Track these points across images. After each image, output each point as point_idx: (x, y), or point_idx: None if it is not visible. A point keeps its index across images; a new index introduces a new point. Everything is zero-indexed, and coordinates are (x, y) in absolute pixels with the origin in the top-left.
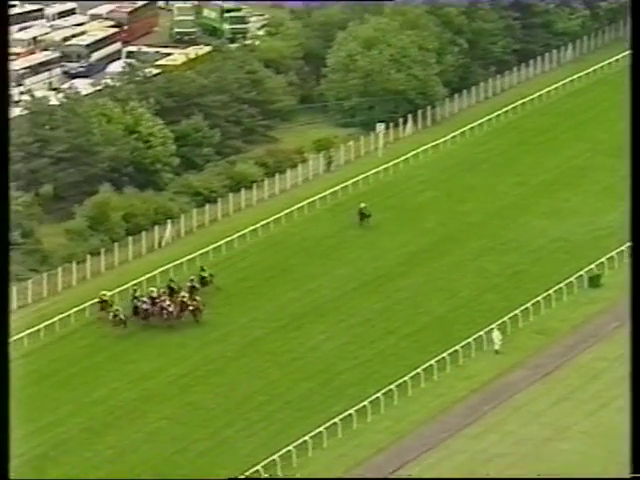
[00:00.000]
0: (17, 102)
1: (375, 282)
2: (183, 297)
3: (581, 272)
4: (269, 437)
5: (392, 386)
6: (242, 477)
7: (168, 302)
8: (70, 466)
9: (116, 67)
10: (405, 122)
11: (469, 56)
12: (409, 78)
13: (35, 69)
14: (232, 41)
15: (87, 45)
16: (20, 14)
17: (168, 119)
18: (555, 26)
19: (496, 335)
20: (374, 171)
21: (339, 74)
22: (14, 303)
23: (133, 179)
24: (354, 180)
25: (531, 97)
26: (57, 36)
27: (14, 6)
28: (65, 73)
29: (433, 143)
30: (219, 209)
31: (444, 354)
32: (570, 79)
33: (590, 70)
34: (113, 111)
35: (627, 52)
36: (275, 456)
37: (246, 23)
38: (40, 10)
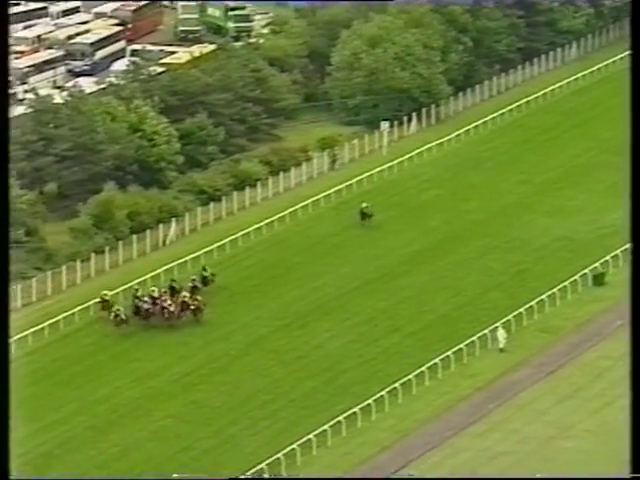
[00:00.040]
0: (21, 100)
1: (379, 280)
2: (184, 297)
3: (585, 270)
4: (273, 435)
5: (396, 384)
6: (242, 477)
7: (169, 302)
8: (75, 464)
9: (120, 65)
10: (409, 120)
11: (473, 54)
12: (413, 76)
13: (39, 67)
14: (236, 39)
15: (91, 43)
16: (24, 12)
17: (172, 117)
18: (559, 24)
19: (501, 333)
20: (378, 169)
21: (343, 72)
22: (18, 301)
23: (137, 177)
24: (358, 178)
25: (535, 95)
26: (61, 34)
27: (14, 5)
28: (69, 71)
29: (437, 141)
30: (223, 207)
31: (448, 352)
32: (574, 77)
33: (594, 68)
34: (117, 109)
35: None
36: (279, 454)
37: (250, 21)
38: (44, 8)
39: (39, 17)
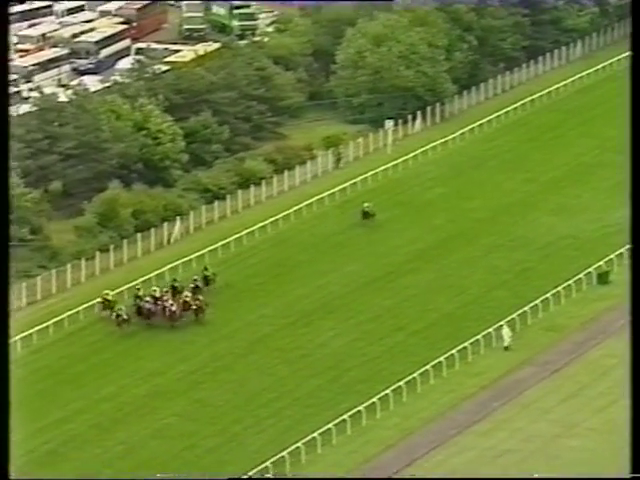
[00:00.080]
0: (26, 99)
1: (384, 279)
2: (186, 297)
3: (590, 269)
4: (278, 434)
5: (401, 383)
6: (243, 477)
7: (171, 302)
8: (80, 462)
9: (125, 64)
10: (414, 119)
11: (478, 53)
12: (418, 75)
13: (44, 66)
14: (241, 38)
15: (96, 42)
16: (29, 11)
17: (177, 116)
18: (564, 23)
19: (506, 332)
20: (383, 168)
21: (348, 71)
22: (23, 300)
23: (142, 176)
24: (363, 177)
25: (540, 94)
26: (66, 33)
27: (19, 4)
28: (74, 70)
29: (442, 140)
30: (228, 206)
31: (453, 351)
32: (579, 76)
33: (599, 67)
34: (122, 108)
35: None
36: (284, 453)
37: (255, 20)
38: (49, 7)
39: (44, 15)
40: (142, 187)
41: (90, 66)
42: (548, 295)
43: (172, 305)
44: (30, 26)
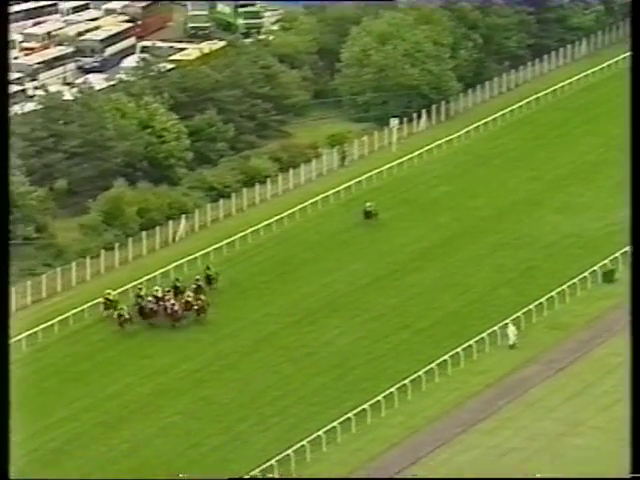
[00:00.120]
0: (31, 97)
1: (389, 277)
2: (188, 297)
3: (595, 267)
4: (283, 432)
5: (406, 381)
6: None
7: (173, 301)
8: (85, 460)
9: (130, 62)
10: (419, 117)
11: (483, 51)
12: (423, 73)
13: (49, 64)
14: (246, 36)
15: (101, 40)
16: (34, 9)
17: (182, 114)
18: (569, 21)
19: (511, 330)
20: (388, 166)
21: (353, 69)
22: (28, 298)
23: (147, 174)
24: (368, 175)
25: (545, 92)
26: (71, 31)
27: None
28: (79, 68)
29: (447, 138)
30: (233, 204)
31: (458, 349)
32: (584, 74)
33: (604, 65)
34: (127, 106)
35: None
36: (289, 451)
37: (260, 18)
38: (54, 5)
39: (49, 14)
40: (147, 185)
41: (95, 64)
42: (553, 293)
43: (174, 305)
44: (35, 24)
